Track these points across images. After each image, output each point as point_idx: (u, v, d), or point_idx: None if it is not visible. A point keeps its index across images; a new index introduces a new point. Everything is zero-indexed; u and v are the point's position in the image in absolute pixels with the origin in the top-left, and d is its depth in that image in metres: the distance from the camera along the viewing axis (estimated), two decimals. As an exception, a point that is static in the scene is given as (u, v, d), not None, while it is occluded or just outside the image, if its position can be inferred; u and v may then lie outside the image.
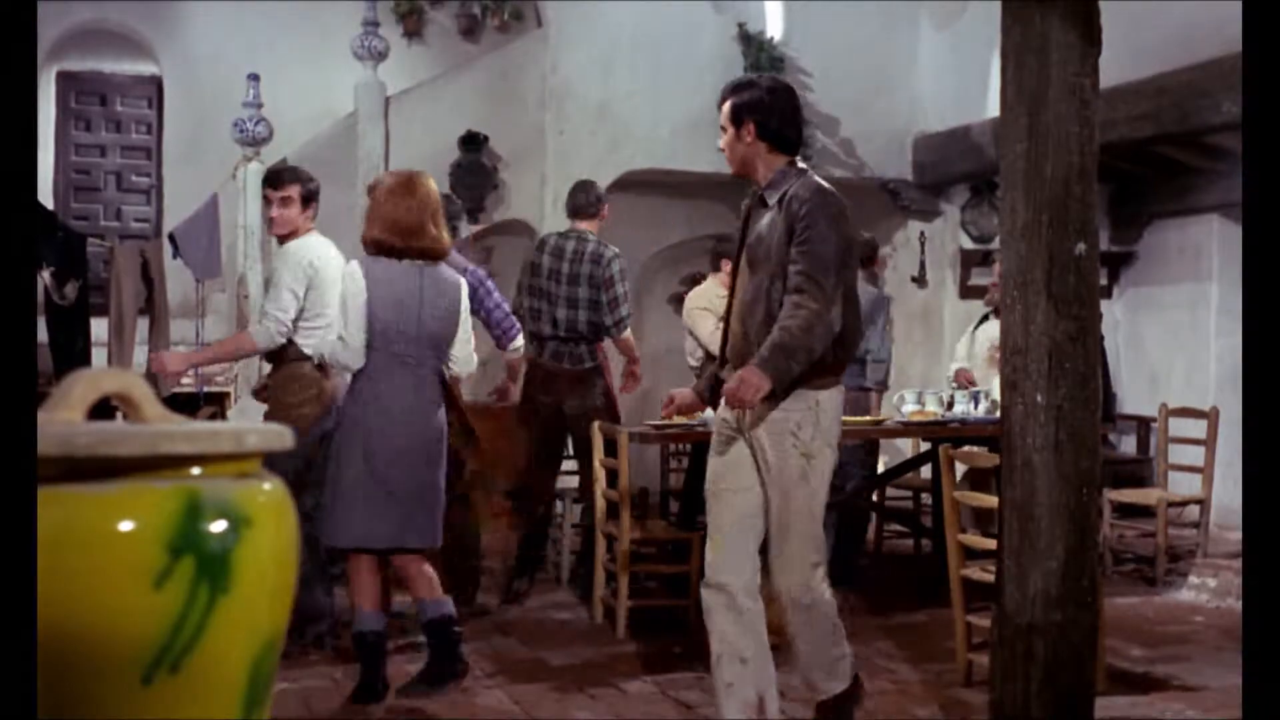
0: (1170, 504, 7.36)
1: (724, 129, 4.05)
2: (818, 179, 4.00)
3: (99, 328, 7.67)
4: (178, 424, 1.23)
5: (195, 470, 1.19)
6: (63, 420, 1.18)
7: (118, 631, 1.17)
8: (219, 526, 1.18)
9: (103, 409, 1.31)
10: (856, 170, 9.91)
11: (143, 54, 10.59)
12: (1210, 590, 6.88)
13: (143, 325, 7.95)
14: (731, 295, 4.15)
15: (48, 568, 1.12)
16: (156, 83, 10.73)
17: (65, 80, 10.69)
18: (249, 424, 1.22)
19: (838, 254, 3.83)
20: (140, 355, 7.90)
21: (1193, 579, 7.06)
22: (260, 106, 8.55)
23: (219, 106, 9.65)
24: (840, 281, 3.83)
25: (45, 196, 10.21)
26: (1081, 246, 3.59)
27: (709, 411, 4.61)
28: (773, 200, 3.96)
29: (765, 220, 3.97)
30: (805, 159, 9.56)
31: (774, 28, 9.70)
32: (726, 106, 4.04)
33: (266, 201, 5.47)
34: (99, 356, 7.67)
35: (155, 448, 1.14)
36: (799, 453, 3.87)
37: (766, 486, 3.94)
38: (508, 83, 9.18)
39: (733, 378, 3.75)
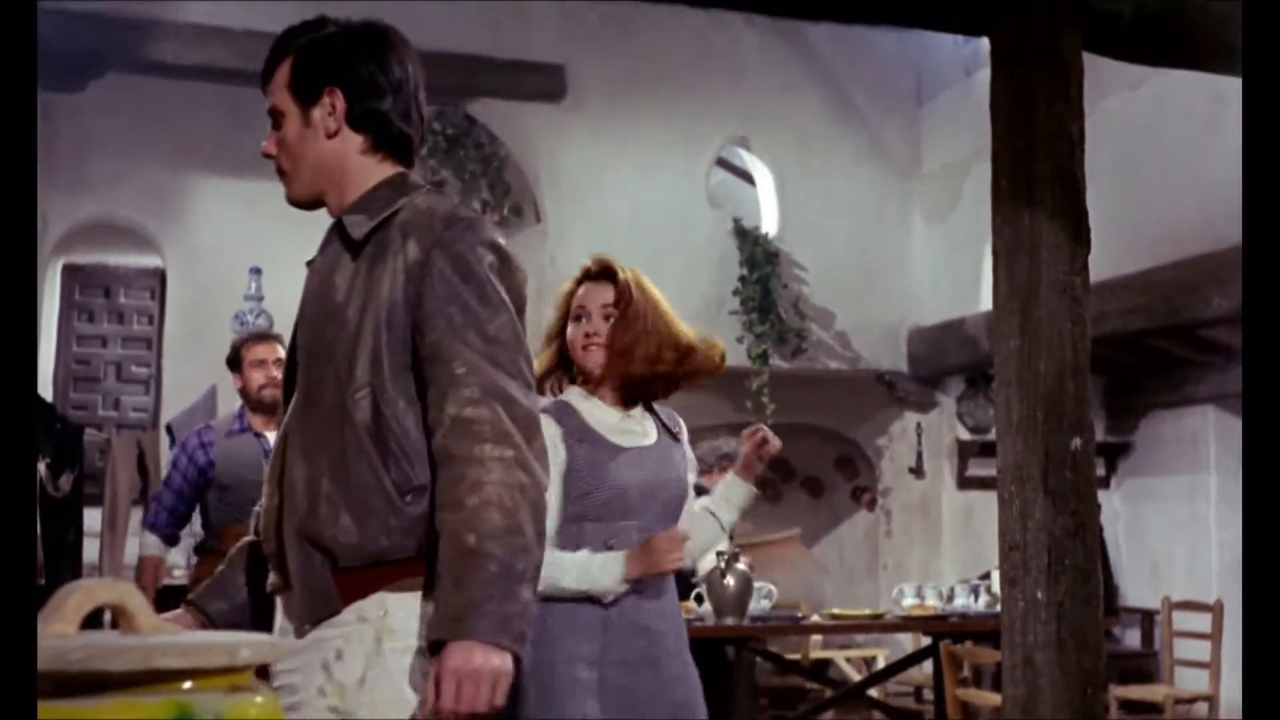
0: (1178, 700, 7.23)
1: (274, 113, 2.20)
2: (452, 198, 2.23)
3: (92, 518, 7.63)
4: (170, 636, 1.22)
5: (187, 684, 1.18)
6: (56, 633, 1.18)
7: None
8: (209, 741, 1.17)
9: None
10: (852, 362, 9.99)
11: (147, 247, 10.76)
12: (1221, 790, 6.72)
13: (136, 515, 7.91)
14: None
15: (33, 784, 1.10)
16: (160, 275, 10.88)
17: (70, 273, 10.84)
18: (242, 636, 1.20)
19: (519, 337, 2.07)
20: (132, 546, 7.85)
21: (1203, 778, 6.90)
22: (262, 299, 8.66)
23: (221, 299, 9.77)
24: (533, 392, 2.08)
25: (45, 387, 10.27)
26: (1077, 441, 3.60)
27: None
28: (359, 232, 2.11)
29: (342, 274, 2.11)
30: (799, 351, 9.90)
31: (769, 223, 9.90)
32: (282, 69, 2.20)
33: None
34: (91, 548, 7.62)
35: (148, 662, 1.13)
36: (327, 707, 2.00)
37: None
38: (507, 276, 9.30)
39: (443, 681, 1.88)
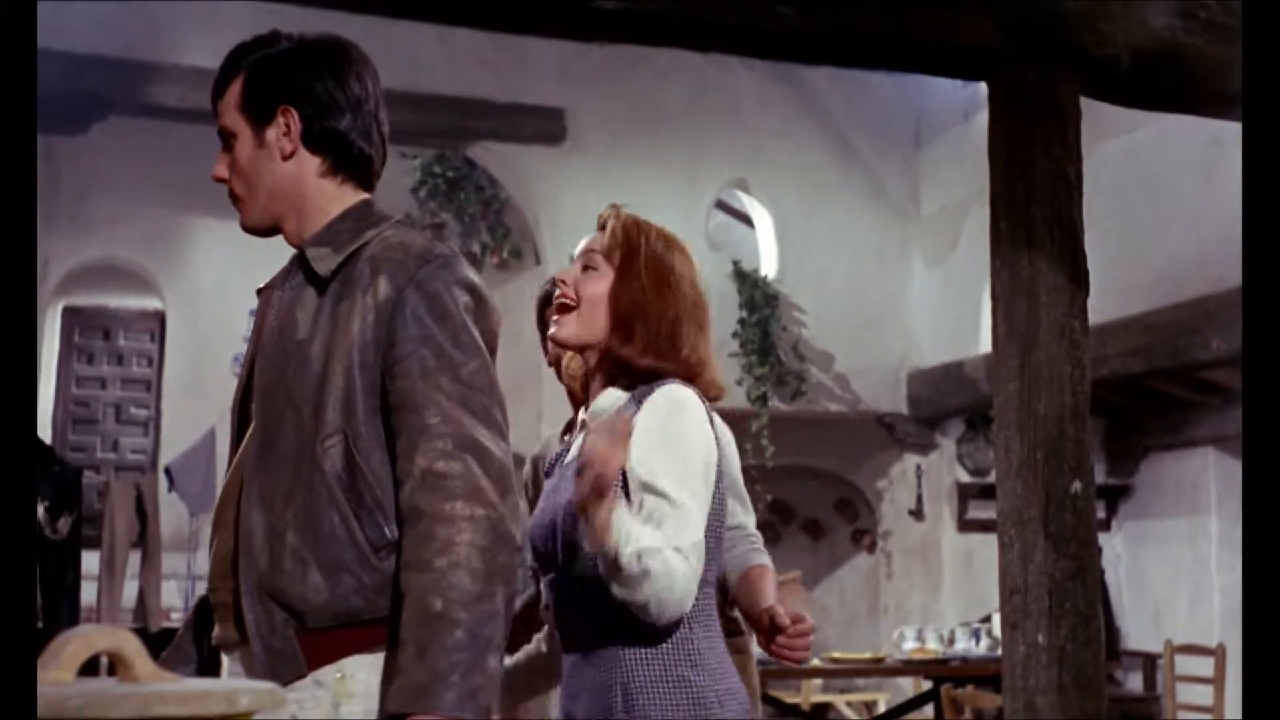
0: (1180, 744, 7.20)
1: (225, 134, 2.05)
2: (421, 231, 2.08)
3: (90, 561, 7.61)
4: (169, 683, 1.21)
5: (184, 731, 1.17)
6: (53, 680, 1.17)
7: None
8: (206, 788, 1.16)
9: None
10: (852, 404, 9.99)
11: (148, 289, 10.79)
12: (1225, 836, 6.67)
13: (134, 559, 7.90)
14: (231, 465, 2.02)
15: (28, 833, 1.09)
16: (160, 317, 10.90)
17: (70, 315, 10.85)
18: (241, 683, 1.20)
19: (493, 383, 1.94)
20: (130, 589, 7.83)
21: (1207, 824, 6.85)
22: (261, 341, 8.65)
23: (220, 340, 9.79)
24: (508, 444, 1.92)
25: (44, 429, 10.26)
26: (1077, 485, 3.59)
27: None
28: (325, 268, 1.96)
29: (304, 309, 1.96)
30: (799, 393, 9.89)
31: (768, 265, 9.92)
32: (233, 87, 2.03)
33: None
34: (89, 590, 7.59)
35: (146, 710, 1.12)
36: None
37: None
38: (506, 319, 9.25)
39: None
